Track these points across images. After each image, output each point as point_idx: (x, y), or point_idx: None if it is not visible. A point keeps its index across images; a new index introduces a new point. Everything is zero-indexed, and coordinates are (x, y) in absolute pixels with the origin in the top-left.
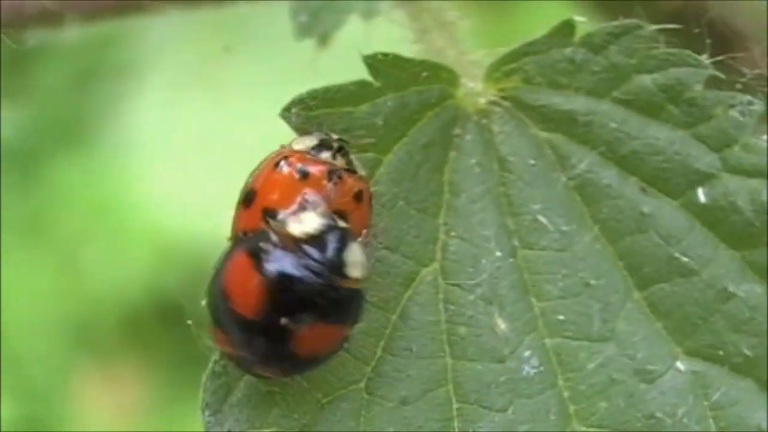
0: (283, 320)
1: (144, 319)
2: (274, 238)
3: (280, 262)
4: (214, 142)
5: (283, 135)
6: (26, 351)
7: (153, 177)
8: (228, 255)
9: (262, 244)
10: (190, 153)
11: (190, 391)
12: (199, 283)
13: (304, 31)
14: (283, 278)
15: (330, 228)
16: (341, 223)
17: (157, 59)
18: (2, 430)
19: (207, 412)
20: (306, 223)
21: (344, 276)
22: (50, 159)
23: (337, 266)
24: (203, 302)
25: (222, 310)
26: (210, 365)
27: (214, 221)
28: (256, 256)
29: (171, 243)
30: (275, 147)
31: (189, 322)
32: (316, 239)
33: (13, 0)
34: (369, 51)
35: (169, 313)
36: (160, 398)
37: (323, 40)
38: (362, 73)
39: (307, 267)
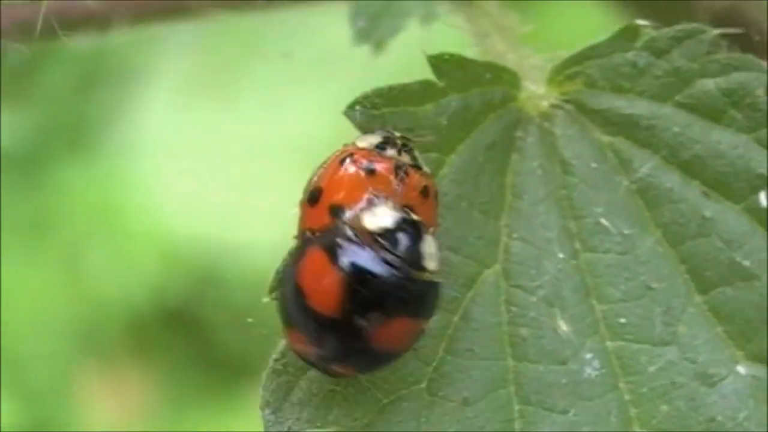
0: (364, 316)
1: (148, 322)
2: (349, 233)
3: (357, 257)
4: (219, 146)
5: (293, 138)
6: (30, 354)
7: (158, 181)
8: (301, 253)
9: (337, 240)
10: (195, 157)
11: (194, 394)
12: (203, 287)
13: (362, 36)
14: (362, 273)
15: (405, 221)
16: (414, 216)
17: (163, 64)
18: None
19: (267, 411)
20: (380, 216)
21: (421, 268)
22: (55, 162)
23: (415, 259)
24: (270, 300)
25: (297, 309)
26: (270, 363)
27: (219, 225)
28: (333, 252)
29: (176, 246)
30: (278, 153)
31: (249, 320)
32: (392, 232)
33: (59, 0)
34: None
35: (174, 316)
36: (164, 401)
37: (379, 45)
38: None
39: (385, 261)
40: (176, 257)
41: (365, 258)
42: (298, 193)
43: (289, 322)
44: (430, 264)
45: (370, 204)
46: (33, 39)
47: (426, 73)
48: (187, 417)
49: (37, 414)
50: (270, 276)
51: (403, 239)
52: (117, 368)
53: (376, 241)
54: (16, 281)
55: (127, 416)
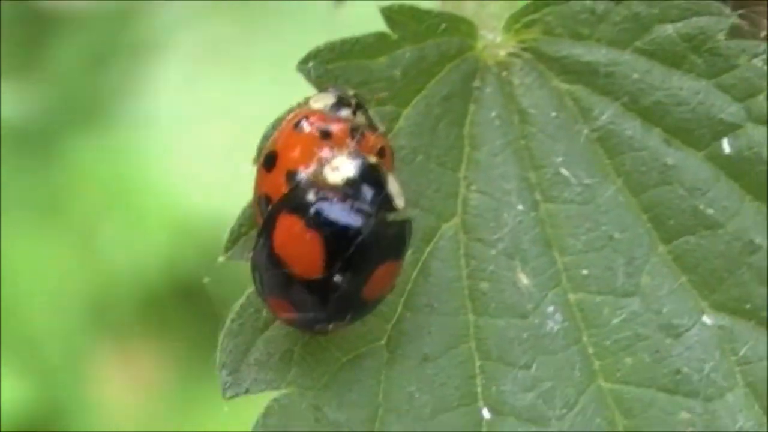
0: (351, 270)
1: (162, 298)
2: (316, 192)
3: (331, 214)
4: (233, 119)
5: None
6: (43, 329)
7: (171, 155)
8: (271, 221)
9: (306, 201)
10: (208, 131)
11: (208, 370)
12: (216, 261)
13: None
14: (341, 228)
15: (365, 166)
16: (372, 159)
17: (175, 37)
18: (18, 409)
19: (224, 372)
20: (342, 168)
21: (393, 209)
22: (68, 137)
23: (386, 201)
24: (226, 259)
25: (280, 279)
26: (227, 324)
27: (233, 199)
28: (305, 215)
29: (189, 221)
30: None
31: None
32: (357, 181)
33: None
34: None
35: (187, 291)
36: (178, 377)
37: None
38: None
39: (359, 210)
40: (190, 232)
41: (339, 212)
42: None
43: (270, 292)
44: (399, 202)
45: (328, 159)
46: None
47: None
48: (200, 392)
49: (50, 390)
50: (225, 233)
51: (369, 185)
52: (130, 344)
53: (345, 193)
54: (28, 257)
55: (141, 391)
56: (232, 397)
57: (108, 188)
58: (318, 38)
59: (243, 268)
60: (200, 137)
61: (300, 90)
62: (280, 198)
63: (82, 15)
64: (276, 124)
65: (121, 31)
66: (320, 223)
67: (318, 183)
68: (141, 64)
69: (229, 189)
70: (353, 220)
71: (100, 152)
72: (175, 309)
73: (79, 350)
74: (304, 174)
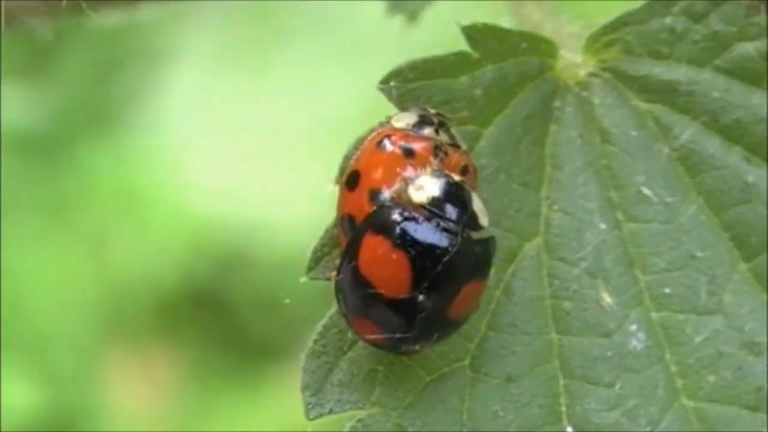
0: (438, 290)
1: (175, 304)
2: (402, 212)
3: (419, 234)
4: (246, 127)
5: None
6: (58, 336)
7: (184, 162)
8: (356, 242)
9: (393, 222)
10: (222, 138)
11: (221, 376)
12: (229, 268)
13: (396, 7)
14: (429, 248)
15: (450, 184)
16: (456, 177)
17: (188, 44)
18: (33, 414)
19: (307, 393)
20: (427, 187)
21: (477, 227)
22: (81, 144)
23: (471, 219)
24: (308, 279)
25: (366, 300)
26: (309, 344)
27: (247, 205)
28: (392, 235)
29: (201, 228)
30: (307, 132)
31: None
32: (442, 200)
33: None
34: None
35: (200, 297)
36: (192, 383)
37: (413, 16)
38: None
39: (446, 230)
40: (203, 238)
41: (426, 232)
42: (326, 174)
43: (356, 314)
44: (484, 220)
45: (412, 179)
46: (60, 15)
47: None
48: (214, 399)
49: (64, 396)
50: (307, 254)
51: (455, 204)
52: (144, 350)
53: (431, 212)
54: (42, 263)
55: (154, 397)
56: (315, 418)
57: (121, 195)
58: (333, 46)
59: (258, 276)
60: (214, 144)
61: (318, 97)
62: (365, 218)
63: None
64: (357, 143)
65: (134, 37)
66: (407, 243)
67: (403, 202)
68: (154, 70)
69: (242, 195)
70: (440, 239)
71: (112, 159)
72: (189, 315)
73: (92, 356)
74: (387, 193)
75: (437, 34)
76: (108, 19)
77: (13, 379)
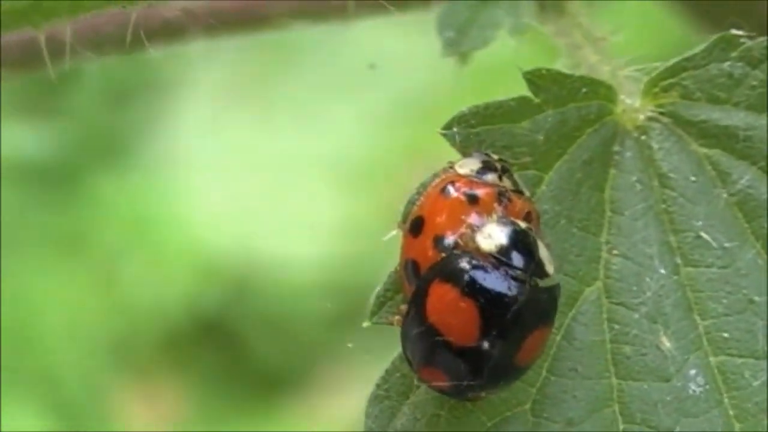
0: (506, 338)
1: (184, 336)
2: (470, 260)
3: (488, 282)
4: (255, 158)
5: (328, 151)
6: (65, 367)
7: (193, 193)
8: (423, 289)
9: (461, 269)
10: (231, 169)
11: (229, 406)
12: (237, 299)
13: (450, 47)
14: (497, 297)
15: (517, 232)
16: (523, 224)
17: (199, 75)
18: None
19: None
20: (495, 235)
21: (544, 275)
22: (90, 175)
23: (539, 267)
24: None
25: (434, 348)
26: (372, 389)
27: (254, 237)
28: (461, 283)
29: (211, 259)
30: (311, 166)
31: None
32: (510, 248)
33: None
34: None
35: (209, 329)
36: (199, 413)
37: (465, 57)
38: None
39: (514, 278)
40: (211, 269)
41: (495, 280)
42: (332, 205)
43: (423, 361)
44: (550, 268)
45: (479, 226)
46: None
47: (476, 88)
48: (221, 429)
49: (71, 426)
50: (371, 297)
51: (522, 251)
52: (152, 381)
53: (499, 260)
54: (50, 294)
55: (162, 428)
56: None
57: (130, 226)
58: (339, 77)
59: (266, 308)
60: (223, 175)
61: (324, 131)
62: (433, 266)
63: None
64: (421, 189)
65: (143, 69)
66: (476, 291)
67: (471, 250)
68: (164, 102)
69: (249, 227)
70: (509, 287)
71: (122, 190)
72: (197, 346)
73: (101, 387)
74: (452, 240)
75: (433, 76)
76: (160, 51)
77: (19, 408)
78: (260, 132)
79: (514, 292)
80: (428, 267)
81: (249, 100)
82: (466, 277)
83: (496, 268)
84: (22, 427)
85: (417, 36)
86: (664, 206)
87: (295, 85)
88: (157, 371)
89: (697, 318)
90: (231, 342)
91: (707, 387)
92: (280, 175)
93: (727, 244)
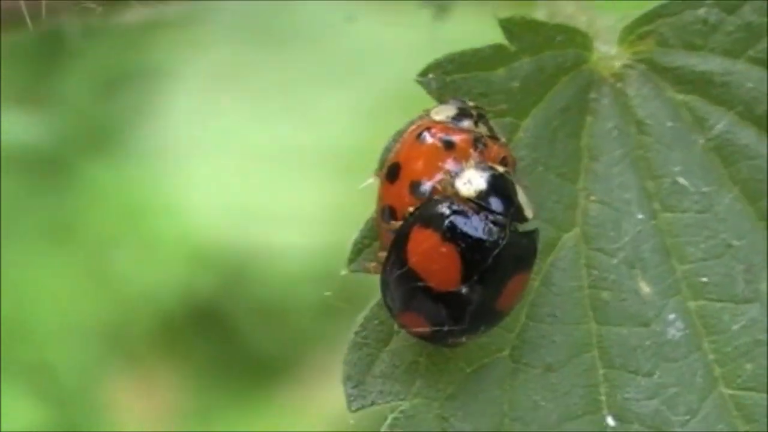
0: (487, 283)
1: (178, 324)
2: (450, 205)
3: (468, 227)
4: (247, 147)
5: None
6: (59, 356)
7: (186, 181)
8: (404, 235)
9: (441, 215)
10: (223, 157)
11: (224, 395)
12: (231, 286)
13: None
14: (478, 242)
15: (496, 177)
16: (501, 169)
17: (190, 63)
18: None
19: (349, 385)
20: (474, 180)
21: (523, 219)
22: (82, 163)
23: (518, 212)
24: (349, 272)
25: (415, 293)
26: (351, 337)
27: (247, 225)
28: (441, 228)
29: (204, 247)
30: (304, 154)
31: None
32: (489, 193)
33: None
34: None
35: (203, 317)
36: (194, 402)
37: (442, 11)
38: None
39: (494, 222)
40: (204, 258)
41: (475, 225)
42: (324, 194)
43: (404, 307)
44: (529, 212)
45: (457, 171)
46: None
47: None
48: (216, 418)
49: (67, 416)
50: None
51: (501, 196)
52: (146, 370)
53: (479, 205)
54: (43, 283)
55: (157, 417)
56: (357, 410)
57: (122, 215)
58: (331, 66)
59: (259, 296)
60: (215, 163)
61: (316, 119)
62: (413, 212)
63: (95, 40)
64: (396, 136)
65: (134, 57)
66: (457, 236)
67: (450, 195)
68: (154, 90)
69: (242, 215)
70: (490, 232)
71: (113, 179)
72: (191, 334)
73: (95, 376)
74: (430, 185)
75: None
76: (105, 39)
77: (14, 398)
78: (252, 121)
79: (494, 236)
80: (409, 212)
81: (240, 90)
82: (446, 222)
83: (476, 212)
84: (15, 416)
85: (407, 26)
86: (641, 152)
87: (286, 75)
88: (150, 360)
89: (676, 263)
90: (224, 331)
91: (687, 332)
92: (272, 163)
93: (704, 189)
